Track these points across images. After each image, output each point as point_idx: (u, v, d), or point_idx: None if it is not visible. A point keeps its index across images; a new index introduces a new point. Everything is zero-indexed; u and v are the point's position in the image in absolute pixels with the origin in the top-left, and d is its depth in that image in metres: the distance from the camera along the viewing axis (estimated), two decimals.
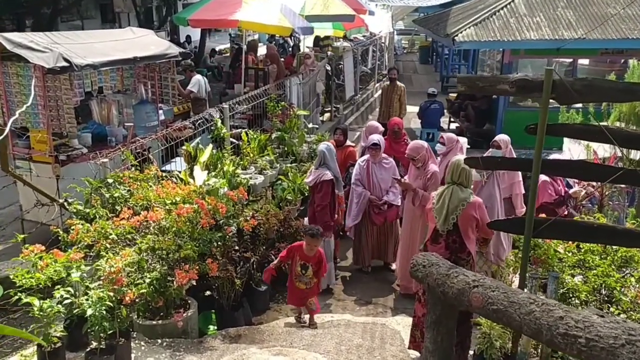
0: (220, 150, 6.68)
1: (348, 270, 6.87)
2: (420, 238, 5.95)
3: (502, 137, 6.11)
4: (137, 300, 4.15)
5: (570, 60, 11.61)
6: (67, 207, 4.67)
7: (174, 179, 5.69)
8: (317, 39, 15.98)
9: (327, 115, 12.98)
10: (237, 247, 5.43)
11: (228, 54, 19.03)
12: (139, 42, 7.08)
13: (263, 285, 5.77)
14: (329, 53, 13.89)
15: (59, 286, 3.76)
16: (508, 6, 11.09)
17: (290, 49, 16.56)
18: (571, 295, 4.19)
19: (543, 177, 5.80)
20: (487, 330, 4.04)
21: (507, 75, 3.81)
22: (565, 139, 8.32)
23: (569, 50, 10.48)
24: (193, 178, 5.75)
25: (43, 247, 4.05)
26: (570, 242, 4.70)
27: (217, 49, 20.49)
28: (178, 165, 6.58)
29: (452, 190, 4.39)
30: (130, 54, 6.54)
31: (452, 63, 20.66)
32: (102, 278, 3.96)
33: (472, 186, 4.56)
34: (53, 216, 4.68)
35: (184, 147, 6.15)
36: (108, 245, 4.22)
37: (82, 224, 4.45)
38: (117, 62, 6.44)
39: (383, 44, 19.28)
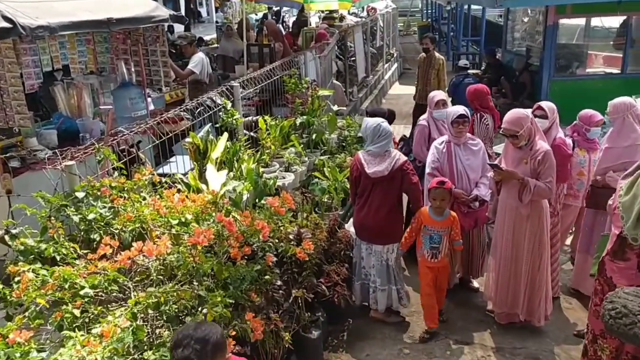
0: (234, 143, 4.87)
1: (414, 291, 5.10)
2: (528, 247, 4.22)
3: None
4: None
5: (624, 17, 9.93)
6: (8, 242, 2.82)
7: (178, 185, 3.88)
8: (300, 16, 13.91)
9: None
10: (279, 282, 3.66)
11: (216, 45, 17.19)
12: (114, 1, 5.21)
13: (314, 330, 4.02)
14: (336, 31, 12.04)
15: None
16: None
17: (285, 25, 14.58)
18: None
19: None
20: None
21: None
22: None
23: (632, 3, 8.86)
24: (205, 182, 3.95)
25: None
26: None
27: (204, 38, 18.53)
28: (178, 167, 4.73)
29: None
30: (103, 15, 4.68)
31: (462, 39, 18.97)
32: None
33: None
34: None
35: (187, 139, 4.30)
36: (77, 312, 2.39)
37: (33, 272, 2.64)
38: (85, 24, 4.54)
39: (382, 26, 17.41)
